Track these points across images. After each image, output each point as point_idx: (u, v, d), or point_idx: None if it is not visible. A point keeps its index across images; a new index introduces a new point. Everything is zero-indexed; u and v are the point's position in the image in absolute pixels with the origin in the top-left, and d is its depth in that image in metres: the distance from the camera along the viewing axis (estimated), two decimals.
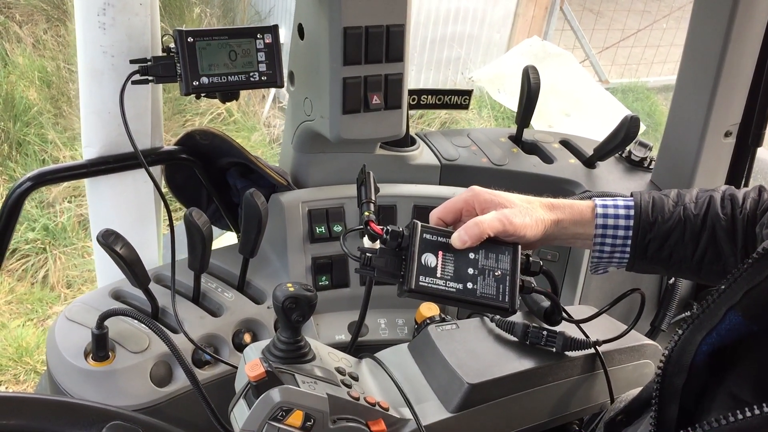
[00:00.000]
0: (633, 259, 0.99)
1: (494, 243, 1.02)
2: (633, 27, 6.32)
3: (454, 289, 0.98)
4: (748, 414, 0.60)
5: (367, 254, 0.98)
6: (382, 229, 0.99)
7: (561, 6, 6.00)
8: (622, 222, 0.98)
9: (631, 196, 1.02)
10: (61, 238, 3.62)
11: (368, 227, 1.01)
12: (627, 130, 1.48)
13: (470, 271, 0.99)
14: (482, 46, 5.65)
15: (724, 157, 1.43)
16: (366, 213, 1.04)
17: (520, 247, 1.03)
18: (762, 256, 0.68)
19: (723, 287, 0.70)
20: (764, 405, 0.60)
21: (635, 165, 1.61)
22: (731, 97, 1.38)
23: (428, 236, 0.99)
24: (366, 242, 1.05)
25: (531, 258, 1.04)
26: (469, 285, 0.99)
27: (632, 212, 0.98)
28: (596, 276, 1.38)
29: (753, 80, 1.38)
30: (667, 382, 0.74)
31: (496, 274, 1.00)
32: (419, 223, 0.99)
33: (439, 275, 0.98)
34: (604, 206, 0.99)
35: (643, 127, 1.66)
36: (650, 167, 1.60)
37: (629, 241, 0.98)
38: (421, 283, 0.96)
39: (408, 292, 0.97)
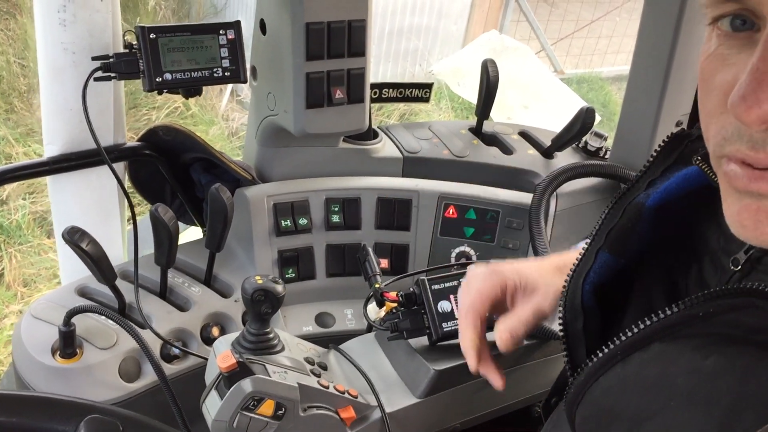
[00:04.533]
0: None
1: None
2: (587, 18, 6.42)
3: None
4: (626, 335, 0.68)
5: (394, 321, 1.10)
6: (397, 295, 1.11)
7: None
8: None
9: None
10: (16, 236, 3.55)
11: (384, 297, 1.12)
12: (583, 121, 1.52)
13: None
14: (440, 37, 5.69)
15: None
16: (376, 285, 1.15)
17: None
18: (618, 201, 0.80)
19: (592, 235, 0.81)
20: (629, 331, 0.67)
21: (591, 155, 1.66)
22: (682, 88, 1.43)
23: (437, 287, 1.10)
24: (370, 310, 1.17)
25: None
26: None
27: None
28: (561, 240, 1.46)
29: None
30: (569, 328, 0.82)
31: None
32: (426, 279, 1.10)
33: (457, 316, 1.07)
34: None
35: (598, 118, 1.71)
36: (606, 156, 1.65)
37: None
38: (445, 330, 1.08)
39: (438, 341, 1.09)
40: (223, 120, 4.86)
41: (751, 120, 0.50)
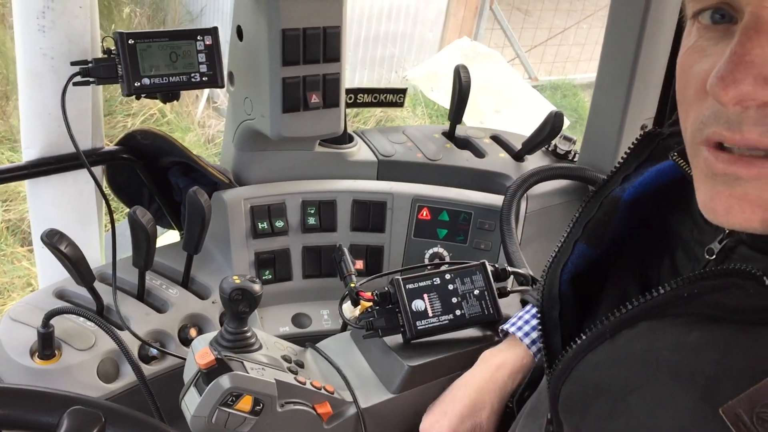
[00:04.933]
0: None
1: (464, 268, 1.17)
2: (560, 26, 6.52)
3: (447, 321, 1.13)
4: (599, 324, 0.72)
5: (369, 320, 1.13)
6: (372, 294, 1.13)
7: (491, 5, 6.14)
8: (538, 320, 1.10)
9: (522, 303, 1.19)
10: None
11: (359, 296, 1.15)
12: (552, 125, 1.57)
13: (454, 300, 1.14)
14: (415, 44, 5.74)
15: None
16: (352, 285, 1.17)
17: (486, 262, 1.18)
18: (594, 195, 0.84)
19: (570, 227, 0.85)
20: (617, 311, 0.70)
21: (561, 158, 1.71)
22: (646, 93, 1.48)
23: (411, 286, 1.14)
24: (345, 309, 1.20)
25: (498, 267, 1.21)
26: (458, 312, 1.14)
27: (534, 309, 1.13)
28: (531, 241, 1.51)
29: (665, 78, 1.49)
30: (546, 316, 0.86)
31: (476, 293, 1.15)
32: (400, 279, 1.13)
33: (431, 314, 1.12)
34: (526, 332, 1.11)
35: (567, 122, 1.75)
36: (575, 159, 1.70)
37: None
38: (419, 328, 1.11)
39: (412, 339, 1.12)
40: (199, 127, 4.86)
41: (728, 98, 0.54)
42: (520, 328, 1.12)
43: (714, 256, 0.71)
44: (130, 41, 1.22)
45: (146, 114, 4.64)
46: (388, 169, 1.59)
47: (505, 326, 1.14)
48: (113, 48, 1.24)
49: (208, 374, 0.96)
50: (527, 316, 1.14)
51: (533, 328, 1.11)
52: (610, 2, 1.45)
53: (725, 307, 0.62)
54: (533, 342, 1.11)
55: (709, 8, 0.59)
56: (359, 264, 1.48)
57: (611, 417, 0.67)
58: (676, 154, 0.74)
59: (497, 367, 1.10)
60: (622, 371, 0.68)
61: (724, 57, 0.55)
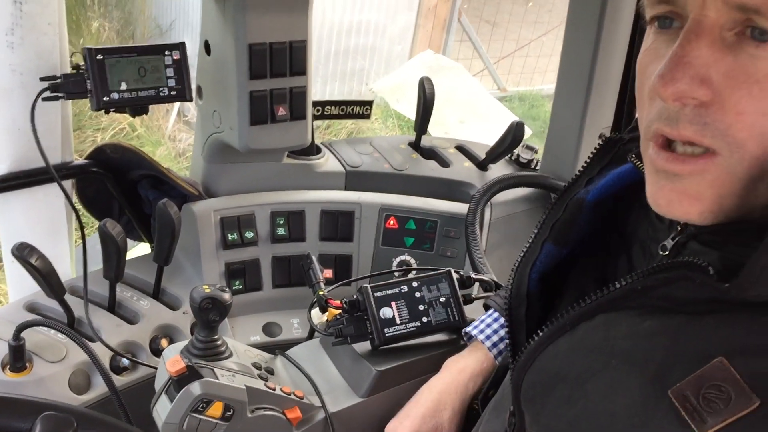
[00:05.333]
0: None
1: (430, 277, 1.20)
2: (527, 37, 6.62)
3: (414, 327, 1.16)
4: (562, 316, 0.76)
5: (338, 327, 1.15)
6: (341, 302, 1.16)
7: (459, 18, 6.22)
8: (503, 332, 1.14)
9: (485, 307, 1.22)
10: None
11: (328, 303, 1.18)
12: (514, 134, 1.62)
13: (421, 307, 1.17)
14: (384, 57, 5.80)
15: None
16: (320, 292, 1.21)
17: (452, 270, 1.22)
18: (561, 197, 0.88)
19: (538, 228, 0.89)
20: (577, 305, 0.75)
21: (523, 166, 1.75)
22: (603, 103, 1.54)
23: (379, 294, 1.16)
24: (314, 315, 1.22)
25: (463, 274, 1.24)
26: (425, 319, 1.17)
27: (496, 313, 1.17)
28: (496, 247, 1.54)
29: (621, 88, 1.55)
30: (513, 313, 0.89)
31: (441, 300, 1.19)
32: (368, 286, 1.16)
33: (398, 322, 1.15)
34: (487, 336, 1.15)
35: (530, 131, 1.80)
36: (537, 168, 1.75)
37: None
38: (387, 335, 1.14)
39: (380, 346, 1.15)
40: (170, 141, 4.85)
41: (667, 94, 0.59)
42: (482, 331, 1.16)
43: (667, 252, 0.75)
44: (99, 57, 1.24)
45: (116, 128, 4.62)
46: (355, 179, 1.63)
47: (468, 329, 1.18)
48: (82, 63, 1.26)
49: (179, 381, 0.98)
50: (489, 320, 1.18)
51: (494, 332, 1.16)
52: (567, 17, 1.50)
53: (676, 299, 0.66)
54: (494, 345, 1.15)
55: (661, 15, 0.64)
56: (328, 273, 1.51)
57: (570, 403, 0.71)
58: (634, 156, 0.79)
59: (459, 371, 1.14)
60: (580, 360, 0.73)
61: (666, 57, 0.60)
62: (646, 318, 0.69)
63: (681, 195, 0.64)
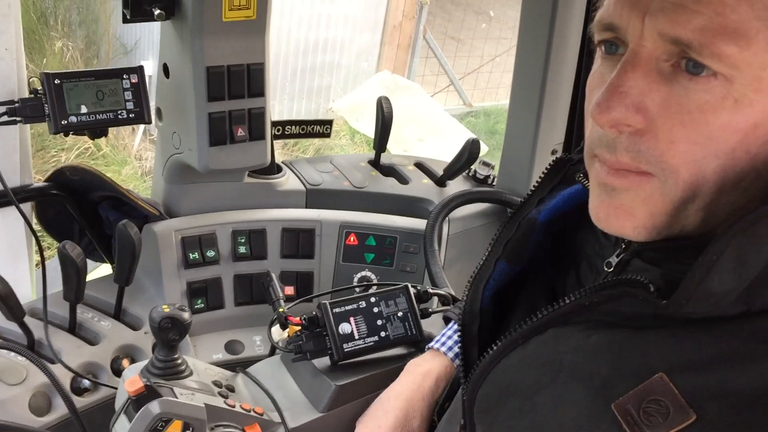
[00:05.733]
0: None
1: (388, 292, 1.23)
2: (491, 53, 6.72)
3: (373, 342, 1.18)
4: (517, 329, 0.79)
5: (297, 344, 1.16)
6: (301, 318, 1.17)
7: (424, 35, 6.30)
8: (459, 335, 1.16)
9: (445, 320, 1.24)
10: None
11: (288, 320, 1.19)
12: (469, 151, 1.66)
13: (379, 322, 1.19)
14: (351, 74, 5.85)
15: None
16: (280, 309, 1.21)
17: (409, 285, 1.24)
18: (513, 216, 0.91)
19: (491, 246, 0.91)
20: (529, 320, 0.77)
21: (480, 182, 1.79)
22: (554, 120, 1.59)
23: (338, 309, 1.18)
24: (275, 332, 1.24)
25: (420, 289, 1.26)
26: (383, 333, 1.19)
27: (456, 325, 1.17)
28: (454, 262, 1.57)
29: (572, 105, 1.60)
30: (466, 330, 0.92)
31: (399, 315, 1.21)
32: (327, 303, 1.18)
33: (357, 337, 1.17)
34: (448, 348, 1.17)
35: (486, 148, 1.85)
36: (493, 183, 1.79)
37: None
38: (346, 350, 1.15)
39: (339, 361, 1.16)
40: (136, 160, 4.83)
41: (602, 123, 0.63)
42: (444, 344, 1.18)
43: (612, 269, 0.78)
44: (56, 81, 1.25)
45: (81, 148, 4.59)
46: (316, 197, 1.65)
47: (432, 345, 1.20)
48: (40, 88, 1.27)
49: (138, 401, 0.99)
50: (450, 332, 1.20)
51: (456, 343, 1.17)
52: (518, 36, 1.55)
53: (620, 314, 0.70)
54: (456, 356, 1.16)
55: (606, 41, 0.67)
56: (290, 290, 1.53)
57: (520, 415, 0.74)
58: (582, 175, 0.82)
59: (423, 375, 1.14)
60: (531, 373, 0.75)
61: (604, 86, 0.63)
62: (592, 333, 0.71)
63: (617, 210, 0.67)
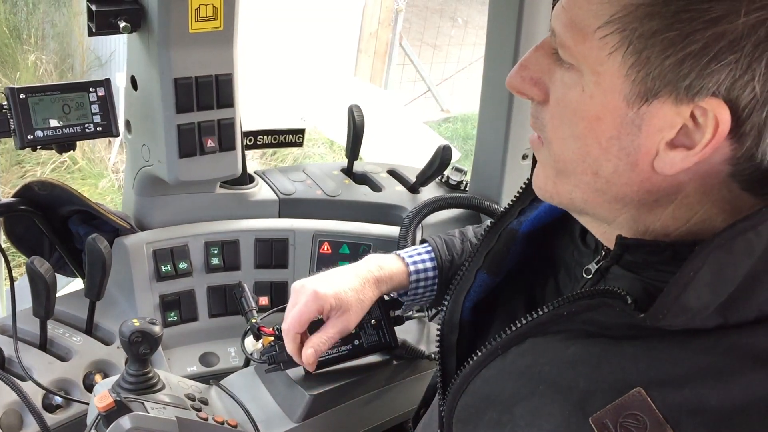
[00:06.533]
0: (439, 294, 1.15)
1: None
2: (467, 59, 6.76)
3: (346, 350, 1.18)
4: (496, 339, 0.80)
5: (271, 354, 1.15)
6: (274, 329, 1.17)
7: (400, 42, 6.32)
8: (429, 265, 1.14)
9: (424, 242, 1.21)
10: None
11: (260, 331, 1.18)
12: (441, 158, 1.66)
13: (352, 330, 1.16)
14: (327, 82, 5.84)
15: (523, 176, 1.64)
16: (253, 320, 1.21)
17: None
18: (493, 227, 0.93)
19: (471, 256, 0.93)
20: (508, 329, 0.79)
21: (453, 188, 1.80)
22: (524, 125, 1.59)
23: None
24: (248, 343, 1.22)
25: (393, 296, 1.23)
26: (356, 342, 1.19)
27: (434, 255, 1.16)
28: None
29: None
30: (445, 340, 0.93)
31: (372, 322, 1.21)
32: None
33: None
34: (414, 263, 1.15)
35: (458, 154, 1.85)
36: (466, 189, 1.79)
37: (436, 280, 1.15)
38: (319, 359, 1.13)
39: (313, 371, 1.15)
40: (113, 173, 4.79)
41: (507, 83, 0.73)
42: (409, 255, 1.16)
43: (591, 276, 0.79)
44: (22, 96, 1.24)
45: (56, 162, 4.56)
46: (289, 207, 1.65)
47: (400, 252, 1.18)
48: (5, 103, 1.26)
49: (108, 417, 0.98)
50: (420, 249, 1.17)
51: (422, 260, 1.15)
52: (485, 43, 1.56)
53: (599, 324, 0.70)
54: (416, 271, 1.14)
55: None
56: (264, 300, 1.53)
57: (499, 426, 0.74)
58: None
59: (379, 267, 1.13)
60: (510, 384, 0.76)
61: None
62: (571, 344, 0.72)
63: (536, 170, 0.76)
